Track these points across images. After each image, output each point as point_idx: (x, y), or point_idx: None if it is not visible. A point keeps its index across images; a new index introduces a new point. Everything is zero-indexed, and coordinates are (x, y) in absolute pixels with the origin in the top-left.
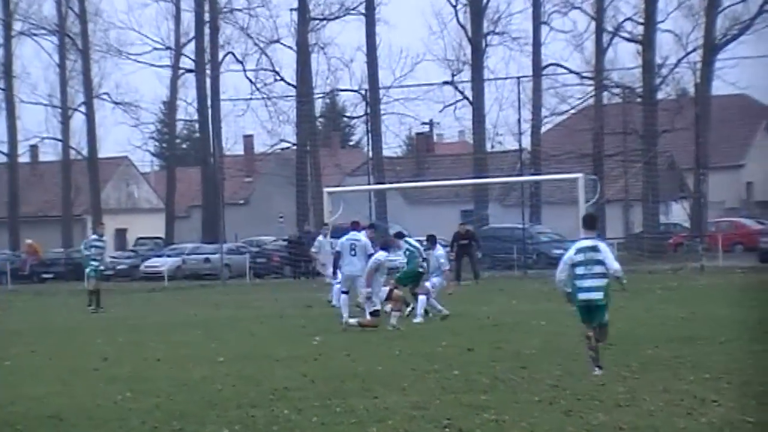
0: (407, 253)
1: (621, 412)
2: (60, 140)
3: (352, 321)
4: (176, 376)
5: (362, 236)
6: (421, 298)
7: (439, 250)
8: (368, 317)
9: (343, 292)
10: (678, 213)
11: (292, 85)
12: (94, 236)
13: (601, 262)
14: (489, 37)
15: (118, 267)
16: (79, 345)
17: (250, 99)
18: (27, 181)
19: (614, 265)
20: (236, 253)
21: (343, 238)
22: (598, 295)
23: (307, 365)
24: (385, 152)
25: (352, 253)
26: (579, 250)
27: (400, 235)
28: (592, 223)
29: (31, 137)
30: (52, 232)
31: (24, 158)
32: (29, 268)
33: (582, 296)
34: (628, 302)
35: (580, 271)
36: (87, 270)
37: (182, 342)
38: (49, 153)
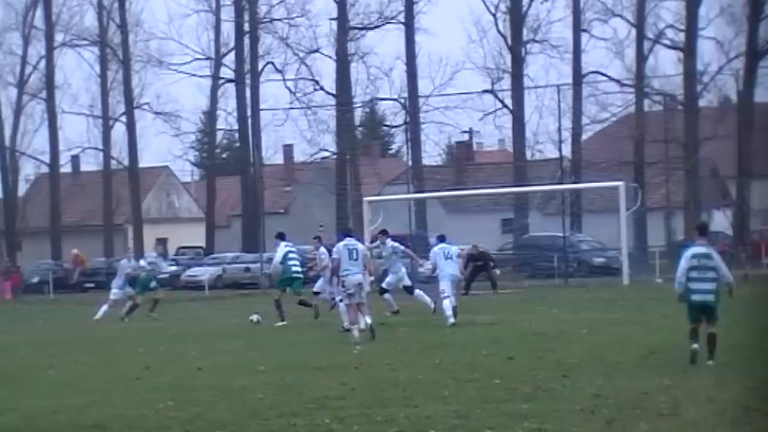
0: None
1: (664, 422)
2: (101, 150)
3: (367, 320)
4: (217, 385)
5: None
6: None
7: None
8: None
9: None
10: (720, 221)
11: (332, 95)
12: (155, 254)
13: (713, 269)
14: (529, 45)
15: (159, 276)
16: (121, 354)
17: (290, 108)
18: (69, 191)
19: (727, 273)
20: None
21: (341, 244)
22: (709, 297)
23: (348, 374)
24: (425, 161)
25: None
26: (694, 256)
27: (384, 232)
28: (706, 230)
29: (73, 147)
30: (93, 242)
31: (66, 168)
32: (76, 277)
33: (695, 297)
34: (672, 311)
35: (693, 275)
36: (153, 284)
37: (223, 351)
38: (91, 163)
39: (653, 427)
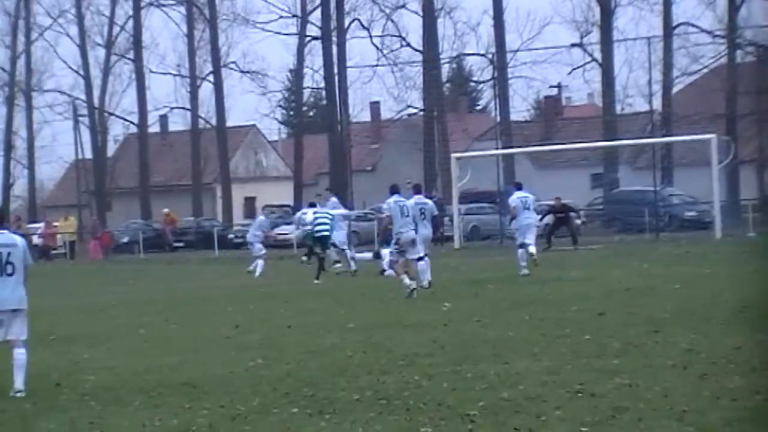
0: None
1: (758, 376)
2: (189, 110)
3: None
4: (307, 343)
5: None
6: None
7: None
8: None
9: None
10: None
11: (419, 51)
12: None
13: None
14: None
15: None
16: (211, 313)
17: (377, 65)
18: (157, 151)
19: None
20: (364, 220)
21: (411, 201)
22: None
23: (437, 331)
24: (513, 116)
25: (423, 217)
26: None
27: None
28: None
29: (161, 107)
30: (182, 201)
31: (154, 128)
32: (170, 237)
33: None
34: (762, 265)
35: None
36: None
37: (312, 309)
38: (179, 123)
39: (748, 381)
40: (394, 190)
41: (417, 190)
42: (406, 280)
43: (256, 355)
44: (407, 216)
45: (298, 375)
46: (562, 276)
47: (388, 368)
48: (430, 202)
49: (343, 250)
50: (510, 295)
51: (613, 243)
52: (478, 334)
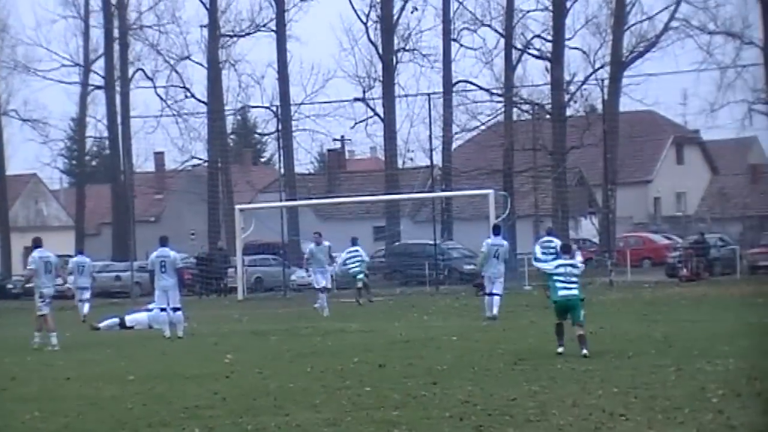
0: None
1: (531, 427)
2: None
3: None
4: (86, 395)
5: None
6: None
7: None
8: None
9: (163, 309)
10: (587, 228)
11: (203, 102)
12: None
13: (576, 275)
14: (399, 54)
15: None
16: None
17: (161, 116)
18: None
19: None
20: (147, 270)
21: (154, 255)
22: (573, 299)
23: (219, 383)
24: (297, 169)
25: (163, 269)
26: (559, 266)
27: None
28: (569, 249)
29: None
30: None
31: None
32: None
33: (561, 294)
34: (538, 317)
35: (560, 279)
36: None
37: (92, 360)
38: None
39: None
40: (37, 245)
41: (162, 242)
42: (37, 339)
43: (33, 408)
44: (50, 272)
45: (76, 427)
46: (345, 328)
47: (169, 420)
48: (172, 253)
49: None
50: (292, 347)
51: (395, 295)
52: (260, 386)
